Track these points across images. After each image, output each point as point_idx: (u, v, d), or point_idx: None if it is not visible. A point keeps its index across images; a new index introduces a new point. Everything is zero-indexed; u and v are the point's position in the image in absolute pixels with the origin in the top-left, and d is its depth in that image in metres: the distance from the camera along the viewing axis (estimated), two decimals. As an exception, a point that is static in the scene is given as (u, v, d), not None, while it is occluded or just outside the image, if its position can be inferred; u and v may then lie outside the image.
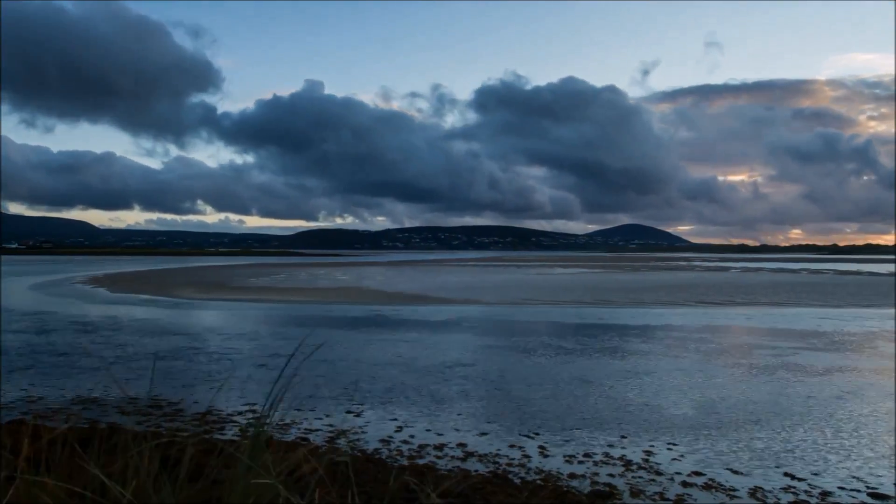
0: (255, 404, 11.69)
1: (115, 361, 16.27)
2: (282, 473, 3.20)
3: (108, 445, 3.27)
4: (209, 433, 9.77)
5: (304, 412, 11.40)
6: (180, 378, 14.41)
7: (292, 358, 3.93)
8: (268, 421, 3.35)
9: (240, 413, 11.16)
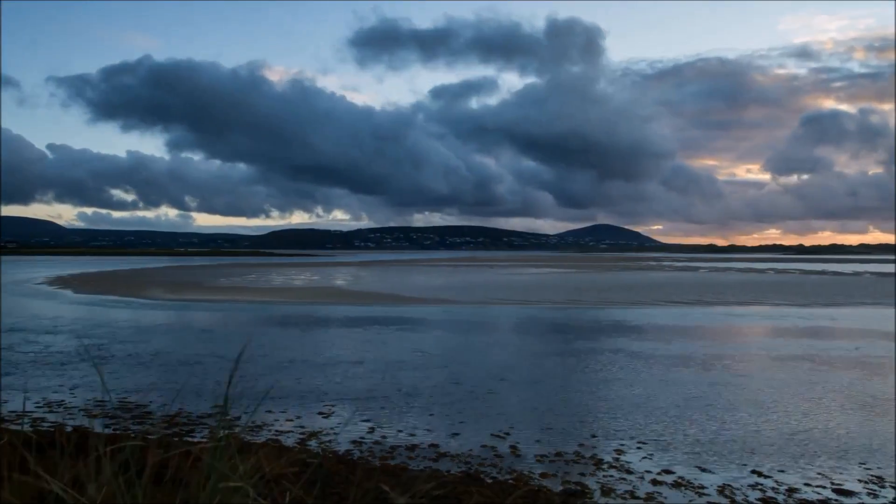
0: (224, 406, 11.55)
1: (81, 364, 16.02)
2: (251, 475, 3.16)
3: (72, 448, 3.20)
4: (178, 436, 9.65)
5: (275, 414, 11.31)
6: (149, 380, 14.23)
7: (263, 359, 3.89)
8: (237, 422, 3.30)
9: (210, 415, 11.03)
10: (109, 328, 23.29)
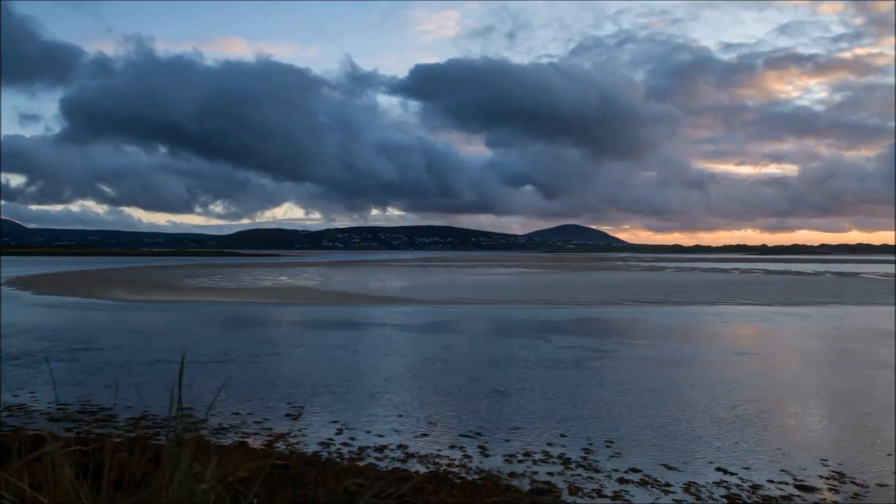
0: (191, 408, 11.42)
1: (43, 367, 15.70)
2: (216, 478, 3.12)
3: (32, 452, 3.13)
4: (141, 439, 9.50)
5: (242, 416, 11.19)
6: (112, 383, 13.98)
7: (230, 360, 3.85)
8: (203, 425, 3.26)
9: (174, 417, 10.86)
10: (71, 330, 22.88)
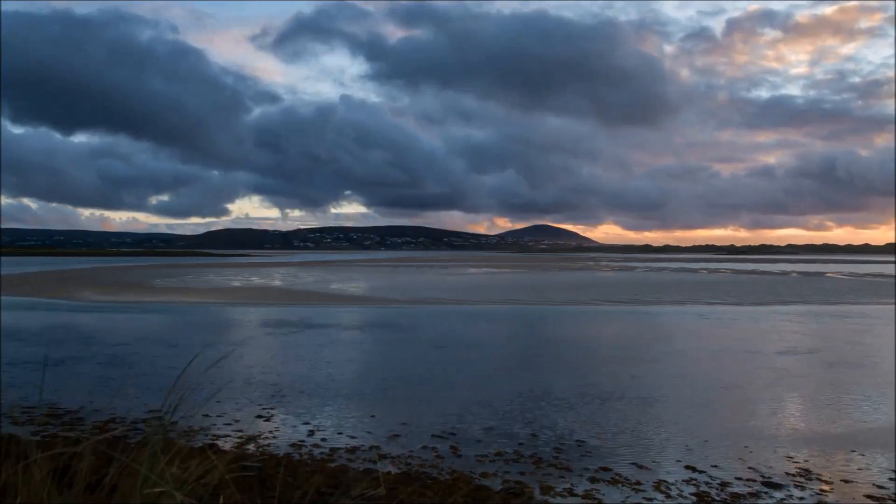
0: (159, 411, 11.29)
1: (7, 370, 15.42)
2: (186, 481, 3.10)
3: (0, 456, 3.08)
4: (111, 442, 9.37)
5: (212, 418, 11.10)
6: (82, 386, 13.79)
7: (199, 361, 3.82)
8: (172, 427, 3.24)
9: (143, 420, 10.76)
10: (39, 332, 22.51)
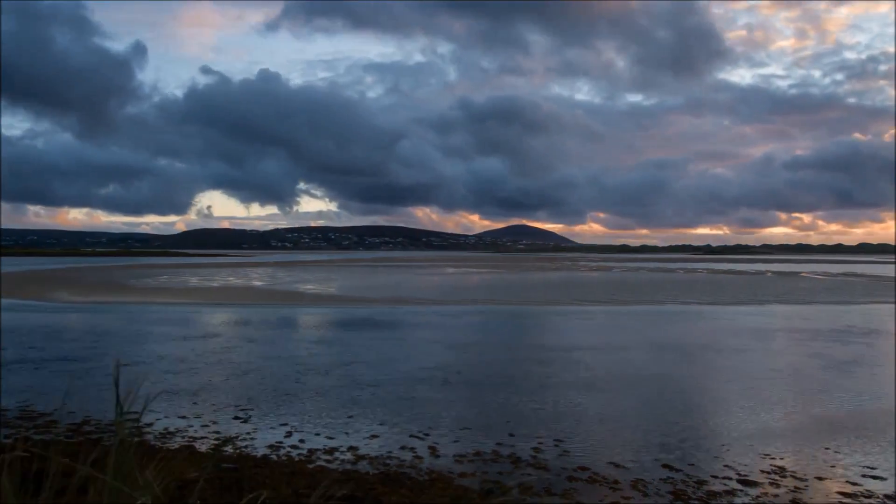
0: (136, 413, 11.16)
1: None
2: (162, 483, 3.06)
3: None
4: (84, 444, 9.26)
5: (188, 419, 10.99)
6: (54, 388, 13.60)
7: (177, 362, 3.77)
8: (147, 428, 3.19)
9: (118, 423, 10.61)
10: (10, 333, 22.17)
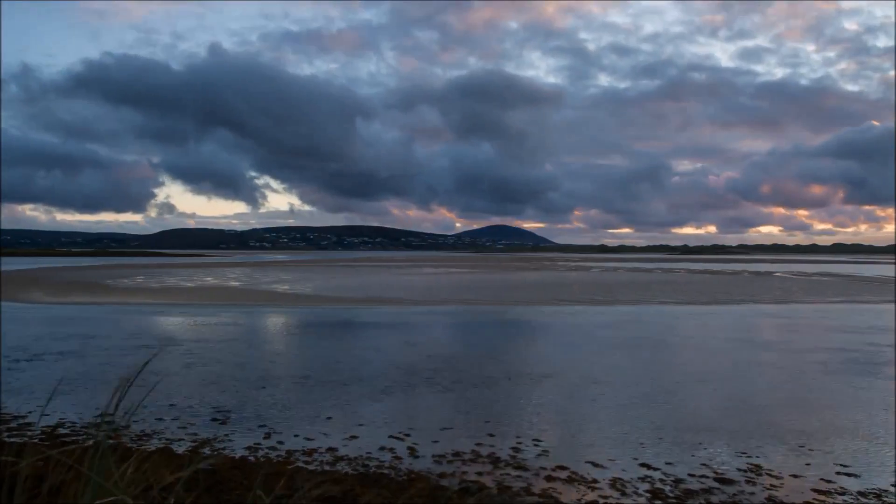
0: (112, 415, 11.05)
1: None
2: (137, 484, 3.03)
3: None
4: (59, 447, 9.15)
5: (166, 421, 10.90)
6: (29, 390, 13.44)
7: (153, 363, 3.74)
8: (123, 431, 3.16)
9: (95, 425, 10.52)
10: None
